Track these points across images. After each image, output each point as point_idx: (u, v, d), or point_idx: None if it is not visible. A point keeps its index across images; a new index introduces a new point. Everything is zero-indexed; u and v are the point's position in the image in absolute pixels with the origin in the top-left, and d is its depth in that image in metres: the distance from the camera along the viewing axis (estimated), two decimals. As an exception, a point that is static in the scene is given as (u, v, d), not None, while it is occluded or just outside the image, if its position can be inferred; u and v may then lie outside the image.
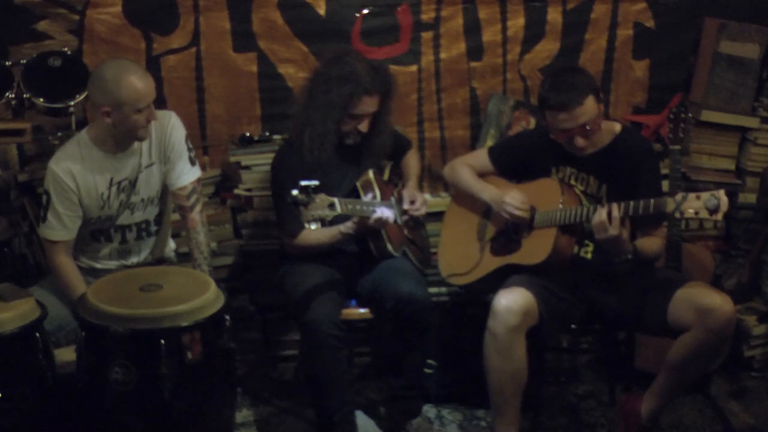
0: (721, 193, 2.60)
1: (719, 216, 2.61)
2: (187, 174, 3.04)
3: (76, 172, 2.90)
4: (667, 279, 2.98)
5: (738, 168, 3.88)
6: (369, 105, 3.10)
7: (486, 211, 3.22)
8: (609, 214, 2.77)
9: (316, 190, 2.73)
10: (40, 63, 3.27)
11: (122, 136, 2.91)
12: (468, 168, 3.25)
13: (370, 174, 3.23)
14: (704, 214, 2.61)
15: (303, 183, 2.72)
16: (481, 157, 3.28)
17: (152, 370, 2.51)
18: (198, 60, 3.63)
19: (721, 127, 3.82)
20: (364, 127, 3.14)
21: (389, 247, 3.15)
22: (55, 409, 2.62)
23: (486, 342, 2.90)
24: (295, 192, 2.71)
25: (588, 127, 2.88)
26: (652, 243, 2.98)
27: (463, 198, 3.31)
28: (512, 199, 3.04)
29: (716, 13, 3.82)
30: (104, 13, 3.51)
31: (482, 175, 3.24)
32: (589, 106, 2.86)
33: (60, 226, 2.92)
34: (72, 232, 2.95)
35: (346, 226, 3.07)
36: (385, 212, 2.98)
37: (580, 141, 2.91)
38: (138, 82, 2.80)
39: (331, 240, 3.12)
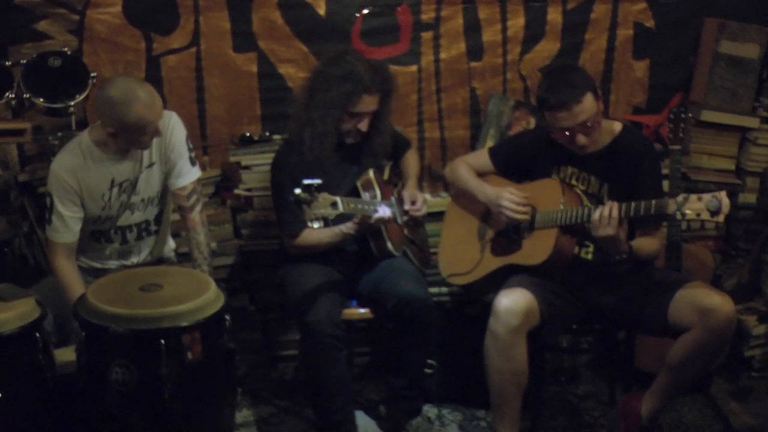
0: (723, 195, 2.59)
1: (721, 218, 2.60)
2: (188, 174, 3.05)
3: (79, 172, 2.90)
4: (667, 279, 2.98)
5: (738, 168, 3.87)
6: (369, 103, 3.10)
7: (486, 211, 3.21)
8: (609, 212, 2.77)
9: (319, 188, 2.71)
10: (40, 63, 3.27)
11: (125, 147, 2.93)
12: (468, 168, 3.25)
13: (371, 173, 3.22)
14: (706, 216, 2.61)
15: (306, 181, 2.70)
16: (481, 157, 3.28)
17: (152, 370, 2.51)
18: (198, 60, 3.62)
19: (721, 127, 3.81)
20: (364, 126, 3.14)
21: (390, 246, 3.15)
22: (55, 409, 2.62)
23: (487, 342, 2.90)
24: (297, 190, 2.69)
25: (588, 124, 2.87)
26: (649, 243, 2.97)
27: (464, 198, 3.30)
28: (508, 201, 3.03)
29: (716, 13, 3.81)
30: (104, 13, 3.50)
31: (483, 175, 3.24)
32: (588, 103, 2.85)
33: (64, 229, 2.92)
34: (75, 234, 2.95)
35: (348, 226, 3.06)
36: (386, 211, 2.98)
37: (581, 139, 2.90)
38: (146, 111, 2.79)
39: (332, 239, 3.12)
